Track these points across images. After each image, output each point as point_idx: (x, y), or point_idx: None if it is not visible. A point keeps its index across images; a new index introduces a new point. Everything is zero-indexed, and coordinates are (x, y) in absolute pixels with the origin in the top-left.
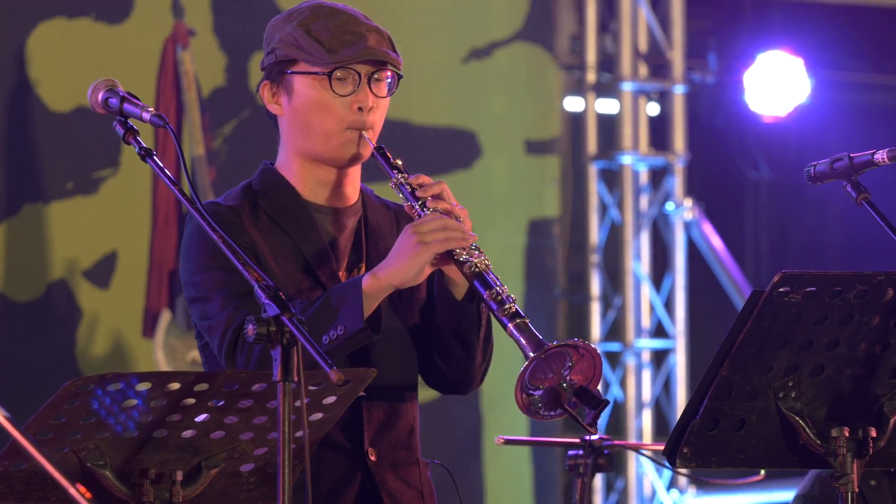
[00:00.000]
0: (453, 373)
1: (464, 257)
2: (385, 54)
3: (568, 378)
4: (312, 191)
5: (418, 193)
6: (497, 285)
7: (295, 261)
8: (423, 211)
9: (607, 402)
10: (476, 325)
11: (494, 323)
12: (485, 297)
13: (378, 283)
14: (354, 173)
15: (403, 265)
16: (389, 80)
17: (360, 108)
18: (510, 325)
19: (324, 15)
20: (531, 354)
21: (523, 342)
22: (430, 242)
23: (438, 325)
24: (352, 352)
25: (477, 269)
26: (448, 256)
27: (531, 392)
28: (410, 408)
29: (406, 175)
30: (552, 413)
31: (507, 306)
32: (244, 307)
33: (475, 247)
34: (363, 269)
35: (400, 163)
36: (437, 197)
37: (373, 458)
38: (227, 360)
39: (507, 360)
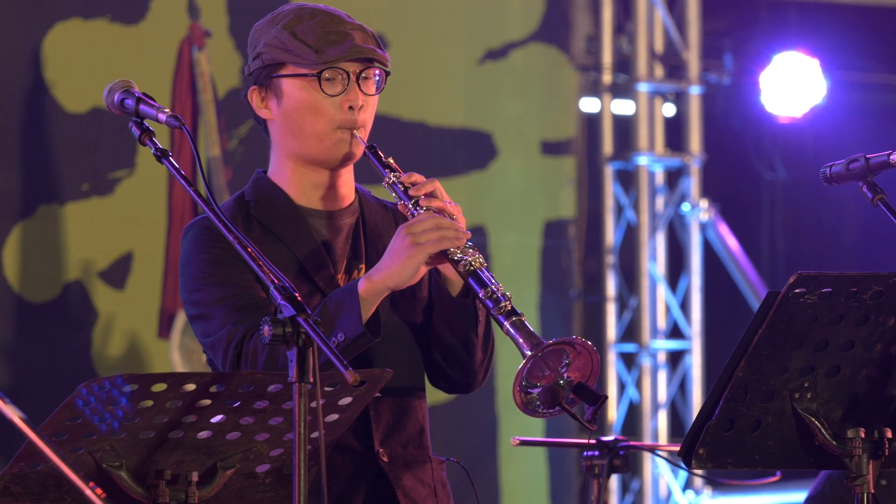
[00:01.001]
0: (455, 371)
1: (458, 256)
2: (372, 52)
3: (565, 375)
4: (306, 195)
5: (411, 192)
6: (492, 283)
7: (291, 268)
8: (416, 210)
9: (606, 398)
10: (474, 322)
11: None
12: (480, 295)
13: (374, 286)
14: (347, 174)
15: (398, 267)
16: (378, 78)
17: (350, 107)
18: (506, 324)
19: (307, 16)
20: (528, 352)
21: (520, 340)
22: (423, 243)
23: (437, 323)
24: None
25: (471, 268)
26: (443, 255)
27: (529, 390)
28: (419, 406)
29: (398, 174)
30: (551, 411)
31: (502, 304)
32: (244, 322)
33: (469, 245)
34: (363, 269)
35: (392, 161)
36: (430, 195)
37: (385, 458)
38: None
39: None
